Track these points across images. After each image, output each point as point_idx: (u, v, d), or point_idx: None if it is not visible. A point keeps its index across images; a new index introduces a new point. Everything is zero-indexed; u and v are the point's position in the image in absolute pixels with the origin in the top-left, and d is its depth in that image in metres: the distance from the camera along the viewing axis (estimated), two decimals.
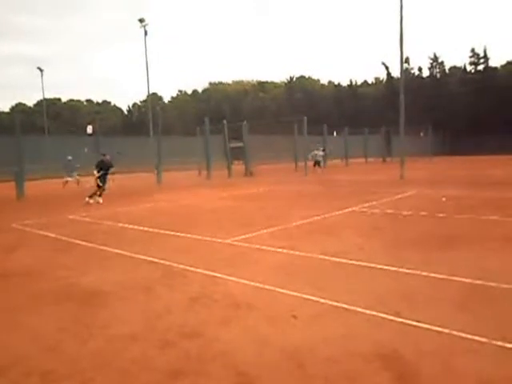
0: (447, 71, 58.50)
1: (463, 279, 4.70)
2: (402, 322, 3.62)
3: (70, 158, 20.08)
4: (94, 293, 4.72)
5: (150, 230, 8.45)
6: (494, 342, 3.18)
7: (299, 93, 71.02)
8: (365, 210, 10.29)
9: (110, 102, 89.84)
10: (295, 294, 4.41)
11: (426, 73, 58.52)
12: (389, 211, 9.92)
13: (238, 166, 26.56)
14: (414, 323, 3.58)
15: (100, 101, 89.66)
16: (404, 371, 2.87)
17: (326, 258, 5.81)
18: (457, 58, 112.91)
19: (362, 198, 12.34)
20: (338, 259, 5.70)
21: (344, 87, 70.08)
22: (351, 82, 69.65)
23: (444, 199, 11.42)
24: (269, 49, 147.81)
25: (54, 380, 2.93)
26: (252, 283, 4.81)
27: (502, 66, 55.38)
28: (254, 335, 3.50)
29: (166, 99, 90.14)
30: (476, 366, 2.91)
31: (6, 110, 76.67)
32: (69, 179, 19.63)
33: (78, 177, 19.86)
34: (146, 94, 39.22)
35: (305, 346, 3.27)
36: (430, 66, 58.10)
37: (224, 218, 9.70)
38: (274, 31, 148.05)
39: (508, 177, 18.74)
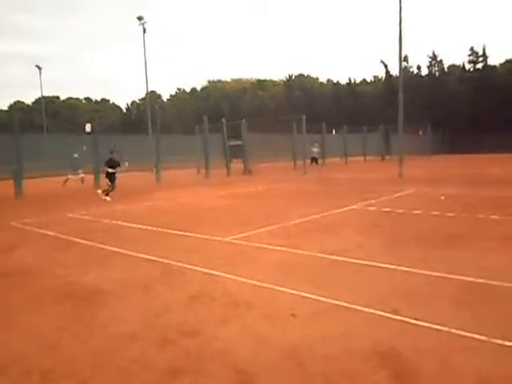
0: (446, 70, 58.44)
1: (462, 277, 4.71)
2: (400, 320, 3.63)
3: (76, 155, 20.01)
4: (93, 291, 4.72)
5: (149, 228, 8.46)
6: (493, 340, 3.19)
7: (298, 91, 70.97)
8: (364, 208, 10.30)
9: (108, 100, 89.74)
10: (294, 292, 4.42)
11: (424, 71, 58.52)
12: (388, 209, 9.93)
13: (237, 165, 26.55)
14: (413, 321, 3.59)
15: (99, 99, 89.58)
16: (402, 369, 2.88)
17: (325, 256, 5.81)
18: (456, 56, 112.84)
19: (361, 196, 12.35)
20: (336, 257, 5.71)
21: (343, 85, 70.02)
22: (350, 80, 69.61)
23: (443, 197, 11.43)
24: (267, 47, 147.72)
25: (54, 379, 2.94)
26: (251, 281, 4.82)
27: (501, 65, 55.34)
28: (253, 334, 3.51)
29: (165, 97, 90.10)
30: (475, 364, 2.92)
31: (5, 108, 76.60)
32: (70, 177, 19.60)
33: (83, 175, 19.80)
34: (145, 92, 39.10)
35: (304, 344, 3.28)
36: (428, 64, 58.06)
37: (223, 217, 9.70)
38: (272, 29, 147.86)
39: (507, 175, 18.76)
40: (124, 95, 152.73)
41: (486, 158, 34.41)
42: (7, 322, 4.03)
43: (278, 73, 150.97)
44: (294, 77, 77.30)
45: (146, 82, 37.03)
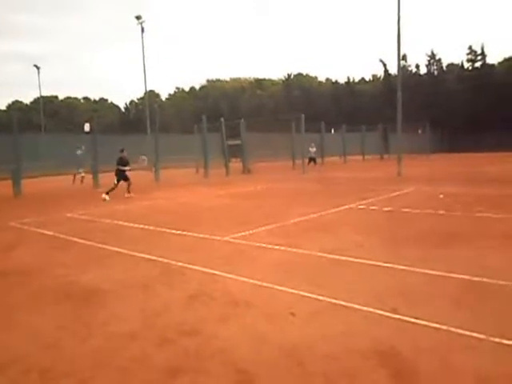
0: (445, 68, 58.50)
1: (461, 276, 4.71)
2: (399, 319, 3.64)
3: (79, 152, 19.94)
4: (92, 291, 4.72)
5: (149, 227, 8.45)
6: (492, 339, 3.20)
7: (297, 90, 70.99)
8: (363, 207, 10.31)
9: (107, 100, 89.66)
10: (293, 291, 4.42)
11: (423, 70, 58.59)
12: (387, 208, 9.93)
13: (236, 164, 26.54)
14: (412, 320, 3.60)
15: (97, 98, 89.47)
16: (402, 368, 2.88)
17: (324, 255, 5.82)
18: (454, 55, 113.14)
19: (360, 195, 12.36)
20: (335, 256, 5.71)
21: (341, 84, 70.07)
22: (349, 79, 69.70)
23: (442, 196, 11.45)
24: (266, 46, 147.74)
25: (53, 378, 2.94)
26: (250, 281, 4.82)
27: (500, 63, 55.39)
28: (252, 333, 3.51)
29: (164, 97, 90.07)
30: (474, 362, 2.92)
31: (3, 107, 76.48)
32: (76, 175, 19.57)
33: (83, 174, 19.74)
34: (144, 91, 39.11)
35: (303, 343, 3.28)
36: (427, 63, 58.13)
37: (222, 216, 9.70)
38: (271, 28, 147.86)
39: (506, 174, 18.79)
40: (123, 95, 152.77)
41: (485, 157, 34.45)
42: (6, 322, 4.03)
43: (276, 72, 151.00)
44: (292, 76, 77.33)
45: (145, 82, 37.10)
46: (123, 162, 14.71)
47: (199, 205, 11.97)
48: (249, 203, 12.04)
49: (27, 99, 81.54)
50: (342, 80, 70.60)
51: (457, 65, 57.77)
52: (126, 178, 14.64)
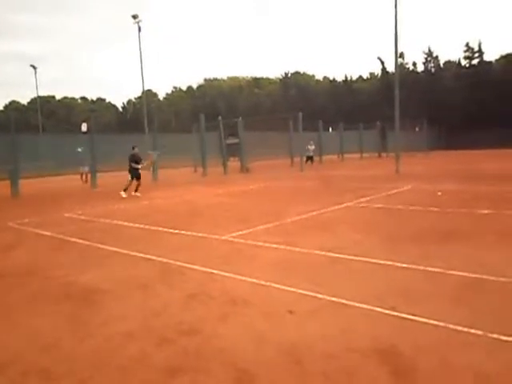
0: (442, 66, 58.57)
1: (460, 273, 4.72)
2: (399, 317, 3.64)
3: (79, 149, 19.84)
4: (91, 291, 4.72)
5: (147, 227, 8.44)
6: (491, 335, 3.20)
7: (294, 89, 71.00)
8: (361, 205, 10.32)
9: (104, 100, 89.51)
10: (292, 289, 4.42)
11: (420, 67, 58.66)
12: (385, 206, 9.94)
13: (234, 163, 26.53)
14: (411, 317, 3.60)
15: (95, 98, 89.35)
16: (401, 366, 2.88)
17: (323, 253, 5.82)
18: (451, 52, 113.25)
19: (358, 193, 12.37)
20: (334, 254, 5.72)
21: (339, 82, 70.11)
22: (346, 77, 69.74)
23: (440, 194, 11.46)
24: (263, 45, 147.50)
25: (52, 378, 2.93)
26: (249, 279, 4.82)
27: (497, 60, 55.48)
28: (251, 332, 3.51)
29: (161, 96, 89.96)
30: (473, 359, 2.93)
31: (0, 108, 76.32)
32: (85, 171, 19.53)
33: (84, 171, 19.64)
34: (141, 90, 39.07)
35: (303, 341, 3.28)
36: (424, 60, 58.21)
37: (220, 215, 9.70)
38: (268, 27, 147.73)
39: (504, 171, 18.81)
40: (120, 94, 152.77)
41: (483, 154, 34.49)
42: (5, 322, 4.02)
43: (274, 70, 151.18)
44: (290, 74, 77.31)
45: (142, 81, 37.05)
46: (135, 159, 14.78)
47: (198, 204, 11.97)
48: (247, 202, 12.04)
49: (24, 99, 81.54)
50: (340, 78, 70.70)
51: (454, 62, 57.83)
52: (138, 177, 14.68)
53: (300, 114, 25.21)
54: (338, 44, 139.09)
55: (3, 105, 79.45)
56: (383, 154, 39.35)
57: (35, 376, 2.97)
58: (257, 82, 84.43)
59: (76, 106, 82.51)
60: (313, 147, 27.81)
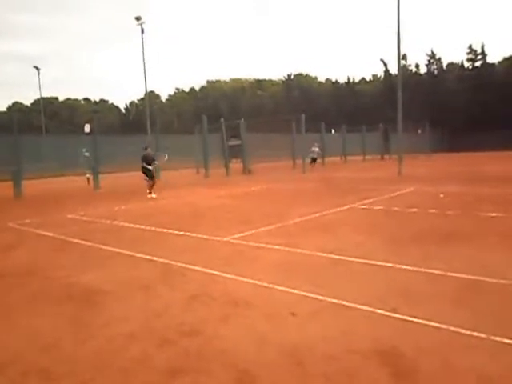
0: (445, 68, 58.52)
1: (462, 275, 4.71)
2: (400, 319, 3.63)
3: (86, 153, 19.86)
4: (93, 292, 4.72)
5: (149, 228, 8.45)
6: (493, 338, 3.19)
7: (297, 90, 71.04)
8: (363, 206, 10.30)
9: (107, 101, 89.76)
10: (294, 291, 4.41)
11: (423, 69, 58.64)
12: (387, 208, 9.93)
13: (236, 165, 26.55)
14: (413, 319, 3.59)
15: (97, 99, 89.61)
16: (402, 368, 2.87)
17: (325, 255, 5.81)
18: (454, 54, 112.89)
19: (361, 195, 12.36)
20: (336, 256, 5.71)
21: (342, 84, 70.13)
22: (349, 79, 69.74)
23: (442, 196, 11.44)
24: (266, 46, 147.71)
25: (53, 379, 2.93)
26: (251, 281, 4.82)
27: (500, 63, 55.41)
28: (253, 333, 3.51)
29: (164, 97, 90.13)
30: (475, 361, 2.92)
31: (3, 109, 76.57)
32: (88, 176, 19.56)
33: (88, 175, 19.68)
34: (144, 92, 39.11)
35: (304, 343, 3.28)
36: (427, 62, 58.17)
37: (222, 217, 9.69)
38: (271, 29, 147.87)
39: (506, 173, 18.77)
40: (123, 96, 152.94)
41: (486, 156, 34.42)
42: (6, 322, 4.02)
43: (276, 72, 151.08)
44: (292, 76, 77.36)
45: (145, 83, 37.06)
46: (147, 159, 14.81)
47: (200, 205, 11.97)
48: (249, 204, 12.04)
49: (27, 101, 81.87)
50: (343, 80, 70.70)
51: (457, 64, 57.78)
52: (151, 177, 14.72)
53: (303, 116, 25.21)
54: (340, 46, 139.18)
55: (6, 106, 79.80)
56: (386, 156, 39.28)
57: (35, 376, 2.97)
58: (259, 83, 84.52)
59: (79, 107, 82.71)
60: (317, 149, 27.86)
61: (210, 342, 3.38)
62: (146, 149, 15.19)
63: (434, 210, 9.23)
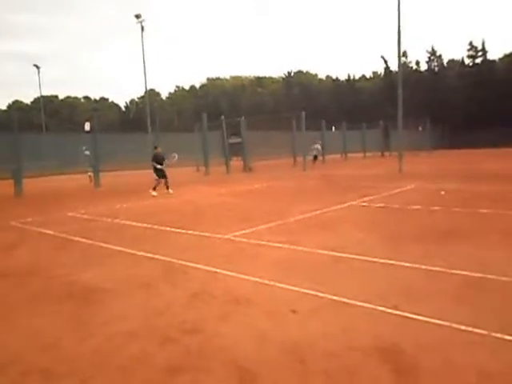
0: (445, 65, 58.36)
1: (462, 272, 4.71)
2: (401, 316, 3.63)
3: (87, 152, 19.83)
4: (94, 290, 4.72)
5: (150, 226, 8.45)
6: (494, 335, 3.19)
7: (297, 88, 70.92)
8: (364, 204, 10.30)
9: (107, 99, 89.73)
10: (294, 288, 4.41)
11: (423, 66, 58.47)
12: (388, 205, 9.92)
13: (237, 162, 26.53)
14: (413, 316, 3.59)
15: (98, 98, 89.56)
16: (403, 364, 2.87)
17: (325, 252, 5.81)
18: (455, 51, 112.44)
19: (361, 192, 12.35)
20: (337, 253, 5.71)
21: (342, 82, 70.02)
22: (349, 76, 69.62)
23: (443, 193, 11.43)
24: (266, 44, 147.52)
25: (54, 378, 2.93)
26: (252, 278, 4.82)
27: (500, 59, 55.25)
28: (254, 331, 3.51)
29: (164, 95, 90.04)
30: (476, 358, 2.92)
31: (3, 107, 76.50)
32: (90, 174, 19.52)
33: (90, 173, 19.66)
34: (144, 90, 39.10)
35: (305, 340, 3.28)
36: (427, 59, 57.99)
37: (223, 214, 9.69)
38: (271, 26, 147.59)
39: (506, 170, 18.75)
40: (123, 94, 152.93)
41: (486, 153, 34.36)
42: (7, 322, 4.03)
43: (276, 70, 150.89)
44: (292, 73, 77.19)
45: (145, 81, 37.09)
46: (157, 158, 14.86)
47: (200, 203, 11.97)
48: (250, 201, 12.04)
49: (28, 99, 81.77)
50: (343, 77, 70.58)
51: (457, 61, 57.62)
52: (163, 175, 14.78)
53: (303, 114, 25.18)
54: (340, 43, 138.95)
55: (6, 104, 79.73)
56: (386, 154, 39.25)
57: (36, 376, 2.97)
58: (259, 81, 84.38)
59: (79, 106, 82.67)
60: (319, 146, 28.02)
61: (210, 339, 3.38)
62: (156, 148, 15.25)
63: (434, 208, 9.22)
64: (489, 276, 4.53)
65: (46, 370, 3.04)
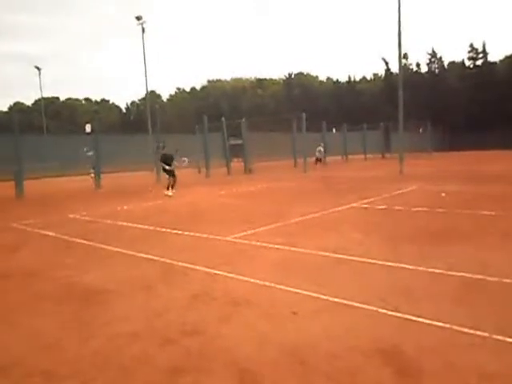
0: (446, 66, 58.35)
1: (463, 274, 4.71)
2: (402, 317, 3.63)
3: (90, 153, 19.80)
4: (95, 291, 4.73)
5: (151, 228, 8.46)
6: (495, 337, 3.19)
7: (298, 89, 71.01)
8: (364, 206, 10.30)
9: (108, 101, 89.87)
10: (295, 290, 4.41)
11: (424, 68, 58.42)
12: (388, 207, 9.92)
13: (238, 164, 26.55)
14: (414, 318, 3.59)
15: (98, 99, 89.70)
16: (404, 366, 2.87)
17: (326, 254, 5.81)
18: (455, 53, 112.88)
19: (362, 194, 12.35)
20: (337, 255, 5.71)
21: (343, 83, 70.14)
22: (350, 78, 69.71)
23: (443, 195, 11.43)
24: (267, 46, 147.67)
25: (56, 379, 2.94)
26: (252, 280, 4.82)
27: (501, 61, 55.24)
28: (254, 332, 3.51)
29: (165, 97, 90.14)
30: (477, 360, 2.92)
31: (4, 109, 76.61)
32: (92, 175, 19.50)
33: (92, 175, 19.67)
34: (145, 92, 39.16)
35: (305, 342, 3.28)
36: (428, 61, 57.98)
37: (224, 216, 9.70)
38: (272, 28, 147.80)
39: (507, 172, 18.74)
40: (124, 95, 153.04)
41: (487, 155, 34.36)
42: (8, 323, 4.03)
43: (277, 71, 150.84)
44: (293, 75, 77.30)
45: (146, 82, 37.14)
46: (166, 159, 14.90)
47: (201, 205, 11.98)
48: (250, 203, 12.04)
49: (29, 101, 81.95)
50: (343, 79, 70.65)
51: (458, 63, 57.62)
52: (173, 175, 14.77)
53: (303, 115, 25.19)
54: (341, 45, 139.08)
55: (7, 106, 79.86)
56: (387, 155, 39.24)
57: (38, 378, 2.98)
58: (260, 82, 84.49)
59: (80, 107, 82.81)
60: (321, 149, 28.25)
61: (211, 341, 3.38)
62: (163, 148, 15.30)
63: (435, 209, 9.22)
64: (489, 278, 4.53)
65: (47, 371, 3.04)
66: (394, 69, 56.93)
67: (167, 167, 14.74)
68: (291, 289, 4.46)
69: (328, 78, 79.54)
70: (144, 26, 39.61)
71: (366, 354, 3.05)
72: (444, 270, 4.87)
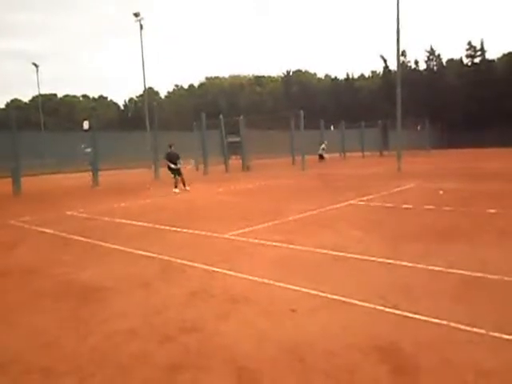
0: (444, 64, 58.37)
1: (461, 271, 4.72)
2: (400, 315, 3.64)
3: (88, 150, 19.73)
4: (93, 289, 4.72)
5: (149, 225, 8.45)
6: (492, 334, 3.20)
7: (296, 87, 70.90)
8: (363, 203, 10.31)
9: (106, 98, 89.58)
10: (293, 287, 4.42)
11: (422, 66, 58.43)
12: (386, 204, 9.93)
13: (236, 161, 26.52)
14: (412, 315, 3.60)
15: (96, 96, 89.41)
16: (402, 363, 2.88)
17: (324, 251, 5.82)
18: (453, 50, 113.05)
19: (360, 191, 12.36)
20: (335, 252, 5.71)
21: (341, 81, 70.04)
22: (348, 75, 69.62)
23: (441, 192, 11.45)
24: (265, 43, 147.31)
25: (54, 376, 2.94)
26: (250, 277, 4.82)
27: (499, 59, 55.30)
28: (253, 329, 3.51)
29: (163, 94, 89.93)
30: (474, 357, 2.93)
31: (2, 106, 76.30)
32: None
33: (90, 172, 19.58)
34: (143, 89, 39.08)
35: (304, 339, 3.28)
36: (426, 58, 57.99)
37: (222, 213, 9.70)
38: (270, 25, 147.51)
39: (505, 169, 18.78)
40: (121, 92, 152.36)
41: (485, 153, 34.43)
42: (6, 321, 4.03)
43: (275, 69, 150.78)
44: (291, 72, 77.17)
45: (144, 79, 37.07)
46: (171, 158, 15.00)
47: (199, 202, 11.97)
48: (248, 200, 12.04)
49: (26, 97, 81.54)
50: (342, 76, 70.59)
51: (456, 60, 57.65)
52: (178, 173, 14.93)
53: (301, 112, 25.17)
54: (339, 42, 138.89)
55: (5, 103, 79.52)
56: (385, 153, 39.26)
57: (36, 375, 2.98)
58: (258, 80, 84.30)
59: (77, 104, 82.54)
60: (324, 146, 28.73)
61: (210, 338, 3.38)
62: (170, 147, 15.35)
63: (433, 207, 9.24)
64: (488, 275, 4.54)
65: (46, 368, 3.04)
66: (393, 66, 56.91)
67: (172, 166, 14.72)
68: (290, 286, 4.46)
69: (326, 76, 79.51)
70: (142, 23, 39.59)
71: (364, 351, 3.06)
72: (443, 267, 4.88)
